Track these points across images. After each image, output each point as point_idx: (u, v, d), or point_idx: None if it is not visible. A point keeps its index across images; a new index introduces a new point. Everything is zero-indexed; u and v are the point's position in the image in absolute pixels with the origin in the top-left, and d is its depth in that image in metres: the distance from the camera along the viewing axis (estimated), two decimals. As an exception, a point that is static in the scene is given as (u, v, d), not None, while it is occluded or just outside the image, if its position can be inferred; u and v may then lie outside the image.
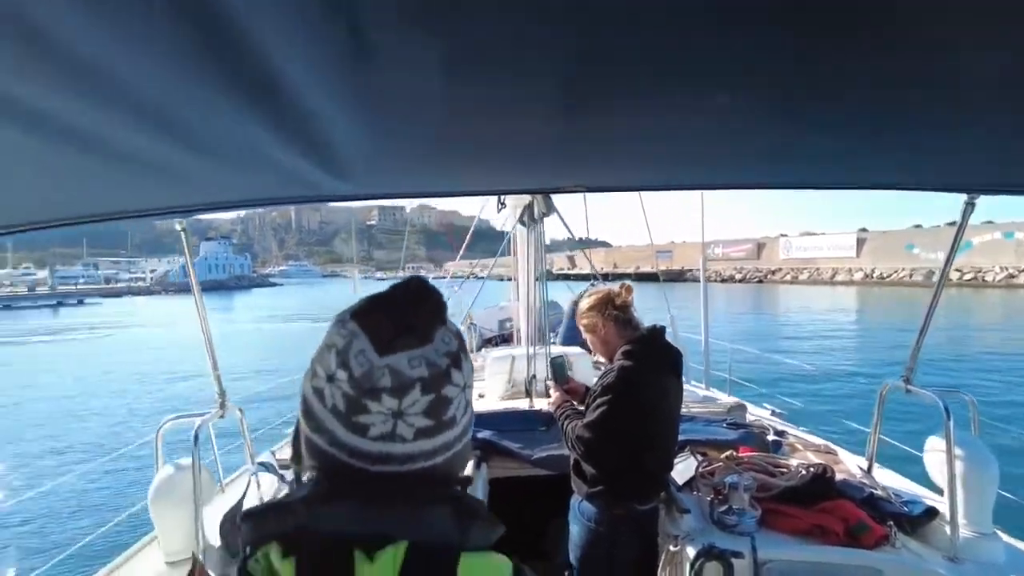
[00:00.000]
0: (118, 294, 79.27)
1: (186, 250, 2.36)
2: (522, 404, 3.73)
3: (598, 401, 2.18)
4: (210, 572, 2.14)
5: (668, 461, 2.44)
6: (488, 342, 8.04)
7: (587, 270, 9.03)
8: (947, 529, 2.14)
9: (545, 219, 3.92)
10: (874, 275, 56.98)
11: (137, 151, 0.97)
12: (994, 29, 0.60)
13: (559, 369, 2.62)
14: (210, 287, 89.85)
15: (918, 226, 60.44)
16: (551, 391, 2.62)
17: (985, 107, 0.86)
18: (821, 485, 2.34)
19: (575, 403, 2.45)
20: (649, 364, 2.21)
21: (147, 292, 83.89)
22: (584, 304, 2.41)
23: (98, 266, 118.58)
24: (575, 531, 2.32)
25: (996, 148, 1.12)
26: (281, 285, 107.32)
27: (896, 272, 54.67)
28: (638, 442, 2.18)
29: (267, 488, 2.83)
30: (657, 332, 2.31)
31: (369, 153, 1.16)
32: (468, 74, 0.76)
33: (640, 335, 2.29)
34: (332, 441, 0.64)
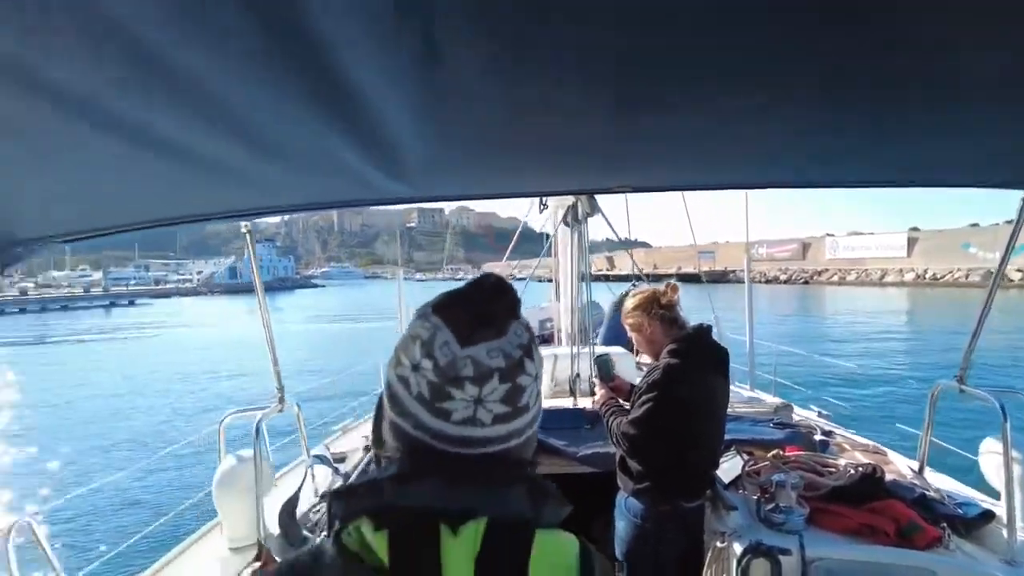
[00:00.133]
0: (167, 295, 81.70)
1: (251, 251, 2.46)
2: (566, 403, 3.77)
3: (643, 398, 2.20)
4: (276, 557, 2.26)
5: (714, 459, 2.43)
6: None
7: (626, 271, 8.93)
8: (1004, 532, 2.10)
9: (589, 219, 3.95)
10: (926, 276, 54.80)
11: (217, 157, 1.03)
12: None
13: (604, 367, 2.64)
14: (255, 288, 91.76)
15: (975, 224, 57.92)
16: (596, 388, 2.65)
17: None
18: (870, 485, 2.31)
19: (620, 400, 2.47)
20: (695, 362, 2.22)
21: (194, 293, 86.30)
22: (630, 303, 2.43)
23: (149, 268, 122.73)
24: (621, 527, 2.34)
25: None
26: (323, 286, 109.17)
27: (951, 272, 52.37)
28: (683, 440, 2.19)
29: (321, 480, 2.95)
30: (704, 331, 2.32)
31: (429, 156, 1.19)
32: (528, 78, 0.78)
33: (686, 334, 2.30)
34: (417, 425, 0.69)
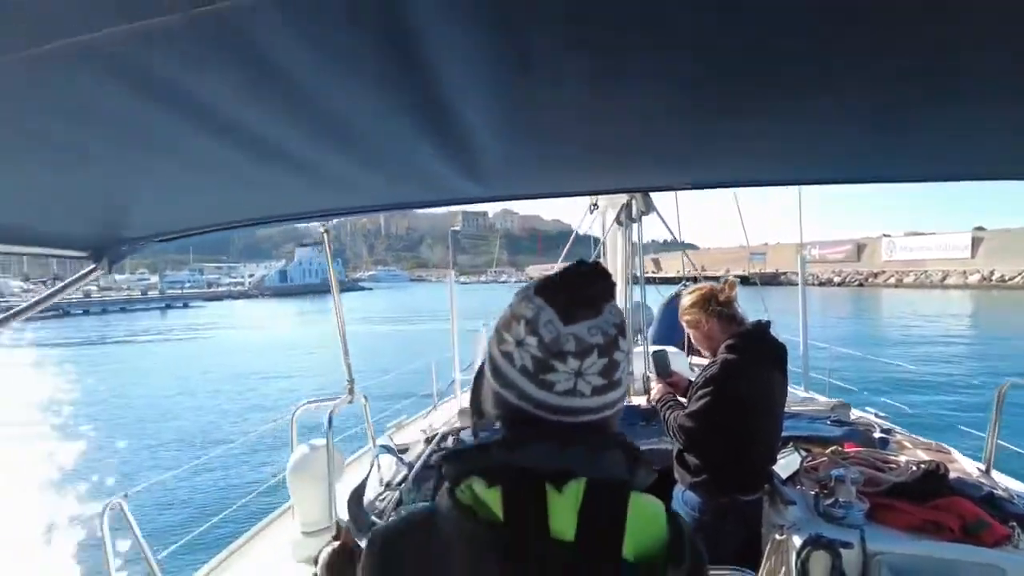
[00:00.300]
0: (219, 297, 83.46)
1: (328, 251, 2.58)
2: None
3: (700, 392, 2.24)
4: (354, 538, 2.38)
5: (771, 455, 2.43)
6: None
7: (672, 273, 8.85)
8: None
9: (644, 217, 3.96)
10: (993, 277, 52.14)
11: (314, 161, 1.08)
12: None
13: (661, 362, 2.67)
14: (304, 291, 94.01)
15: (1048, 222, 54.65)
16: (653, 383, 2.69)
17: None
18: (934, 482, 2.26)
19: (677, 396, 2.51)
20: (753, 358, 2.25)
21: (245, 296, 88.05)
22: (687, 300, 2.46)
23: (203, 271, 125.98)
24: (679, 521, 2.38)
25: None
26: (371, 289, 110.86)
27: (1021, 274, 49.71)
28: (741, 436, 2.21)
29: (386, 470, 3.07)
30: (762, 327, 2.34)
31: (503, 157, 1.22)
32: (611, 82, 0.81)
33: (744, 330, 2.32)
34: (520, 395, 0.76)
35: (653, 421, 3.04)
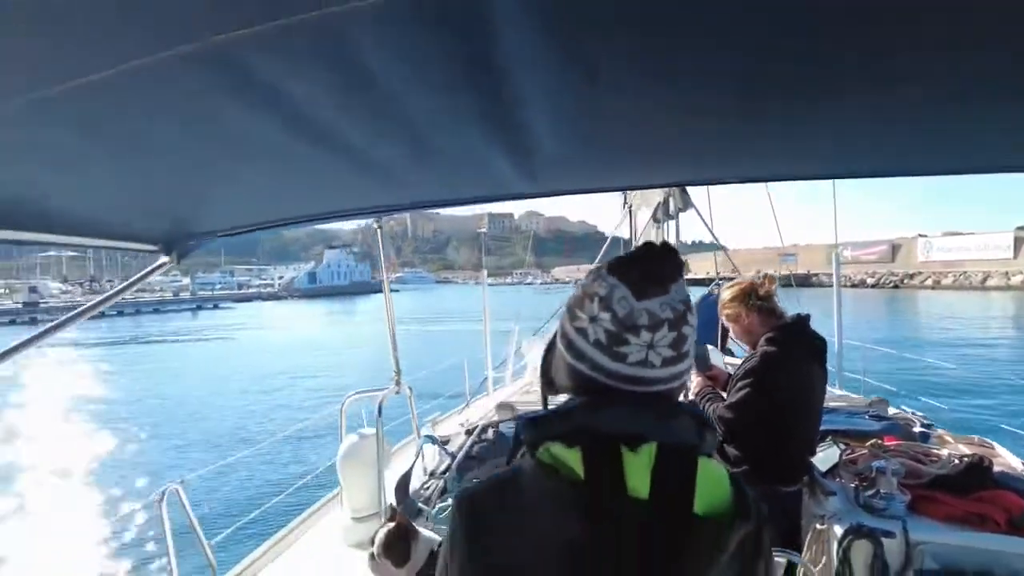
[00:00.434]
0: (249, 299, 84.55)
1: (380, 248, 2.66)
2: None
3: (740, 384, 2.26)
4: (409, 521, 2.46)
5: (811, 447, 2.44)
6: None
7: (701, 275, 8.80)
8: None
9: (681, 214, 3.96)
10: (1036, 279, 50.41)
11: (381, 160, 1.13)
12: None
13: (701, 357, 2.67)
14: (333, 292, 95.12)
15: (1094, 222, 52.51)
16: (693, 376, 2.71)
17: None
18: (978, 475, 2.25)
19: (716, 389, 2.54)
20: (792, 350, 2.27)
21: (274, 297, 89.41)
22: (726, 295, 2.49)
23: (233, 273, 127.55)
24: (719, 511, 2.40)
25: None
26: (399, 290, 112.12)
27: (1069, 275, 47.96)
28: (779, 428, 2.23)
29: (430, 459, 3.16)
30: (802, 320, 2.36)
31: (558, 154, 1.24)
32: (669, 82, 0.85)
33: (784, 323, 2.35)
34: (594, 367, 0.82)
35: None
